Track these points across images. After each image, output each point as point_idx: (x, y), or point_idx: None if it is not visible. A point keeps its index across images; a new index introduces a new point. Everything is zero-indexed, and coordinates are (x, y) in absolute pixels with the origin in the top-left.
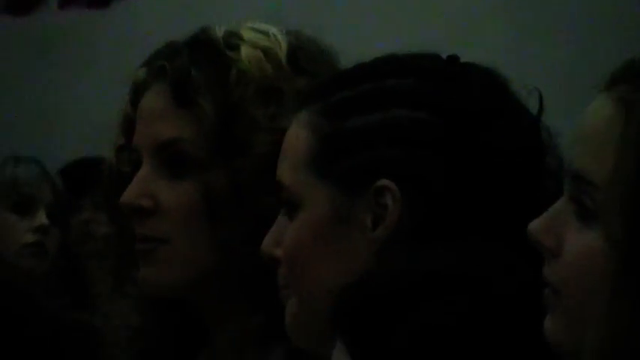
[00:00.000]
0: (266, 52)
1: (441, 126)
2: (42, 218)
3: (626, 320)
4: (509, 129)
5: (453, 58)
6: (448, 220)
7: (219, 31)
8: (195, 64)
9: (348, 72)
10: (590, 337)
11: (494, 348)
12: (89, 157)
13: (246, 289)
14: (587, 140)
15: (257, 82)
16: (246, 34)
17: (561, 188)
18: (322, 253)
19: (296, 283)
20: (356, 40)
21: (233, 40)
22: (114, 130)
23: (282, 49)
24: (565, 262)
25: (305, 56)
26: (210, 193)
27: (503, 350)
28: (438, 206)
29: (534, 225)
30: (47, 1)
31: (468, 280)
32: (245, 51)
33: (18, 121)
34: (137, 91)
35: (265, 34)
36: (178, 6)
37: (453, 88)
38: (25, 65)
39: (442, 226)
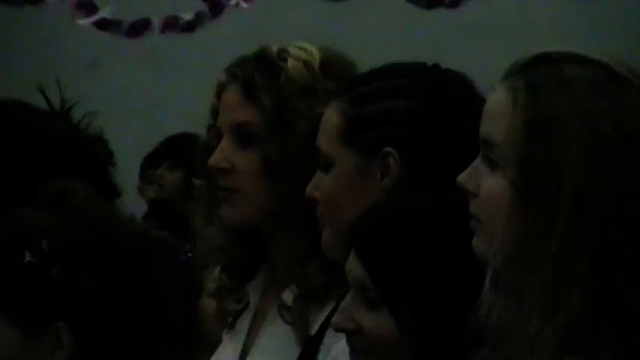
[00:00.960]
0: (305, 62)
1: (427, 112)
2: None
3: (518, 237)
4: (473, 113)
5: (436, 66)
6: (431, 174)
7: (274, 48)
8: (258, 70)
9: (364, 74)
10: (494, 254)
11: (455, 256)
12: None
13: (294, 223)
14: (489, 116)
15: (299, 83)
16: (292, 50)
17: None
18: (347, 197)
19: (330, 217)
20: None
21: (283, 54)
22: (205, 117)
23: (316, 61)
24: (481, 199)
25: (333, 65)
26: (268, 159)
27: (460, 257)
28: (424, 166)
29: (461, 176)
30: (152, 27)
31: (437, 213)
32: (291, 62)
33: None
34: (220, 89)
35: (304, 50)
36: (246, 32)
37: (435, 86)
38: (135, 76)
39: (427, 179)
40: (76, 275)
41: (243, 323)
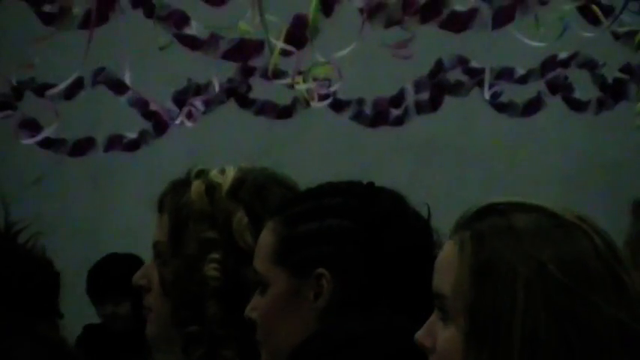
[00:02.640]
0: (209, 186)
1: (359, 230)
2: None
3: None
4: (406, 231)
5: (370, 184)
6: (364, 295)
7: (195, 171)
8: (170, 191)
9: (299, 194)
10: None
11: None
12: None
13: (188, 344)
14: (439, 270)
15: (195, 207)
16: (211, 173)
17: None
18: (282, 318)
19: (265, 339)
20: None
21: (199, 176)
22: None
23: (224, 185)
24: (438, 353)
25: (245, 191)
26: (162, 278)
27: None
28: (357, 286)
29: (418, 333)
30: (96, 145)
31: (368, 341)
32: (195, 184)
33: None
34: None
35: (222, 172)
36: (190, 152)
37: (368, 204)
38: (79, 193)
39: (361, 299)
40: None
41: None
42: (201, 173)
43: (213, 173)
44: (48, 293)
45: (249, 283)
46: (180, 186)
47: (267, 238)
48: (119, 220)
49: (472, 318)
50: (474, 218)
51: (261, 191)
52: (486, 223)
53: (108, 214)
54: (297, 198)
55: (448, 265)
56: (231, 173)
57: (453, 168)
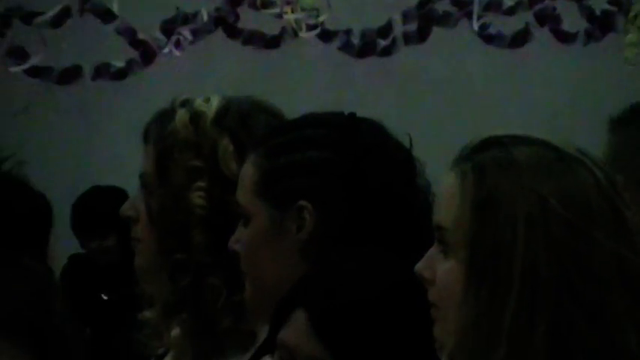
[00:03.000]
0: (194, 114)
1: (341, 162)
2: None
3: (471, 317)
4: (388, 162)
5: (352, 115)
6: (347, 227)
7: (179, 100)
8: (154, 121)
9: (280, 125)
10: (449, 337)
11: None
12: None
13: (176, 274)
14: (440, 202)
15: (180, 136)
16: (196, 102)
17: (429, 200)
18: (265, 251)
19: (248, 271)
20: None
21: (184, 105)
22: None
23: (209, 114)
24: (437, 285)
25: (230, 119)
26: (149, 209)
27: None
28: (340, 218)
29: (418, 265)
30: (84, 74)
31: (350, 273)
32: (179, 115)
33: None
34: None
35: (207, 100)
36: (178, 80)
37: (350, 135)
38: (66, 122)
39: (343, 231)
40: None
41: None
42: (186, 102)
43: (198, 102)
44: (38, 223)
45: (235, 212)
46: (164, 116)
47: (248, 170)
48: (107, 149)
49: (472, 251)
50: (475, 150)
51: (246, 119)
52: (488, 155)
53: (95, 143)
54: (278, 130)
55: (449, 198)
56: (215, 102)
57: (440, 100)
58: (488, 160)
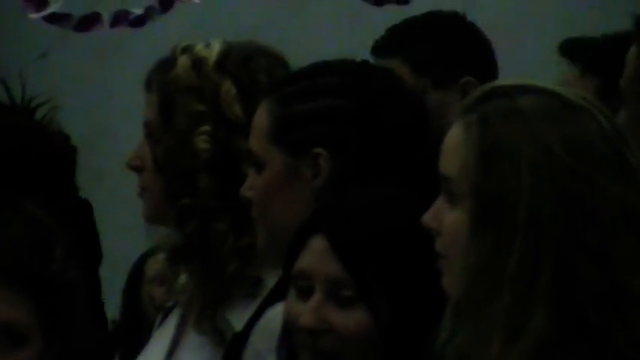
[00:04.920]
0: (195, 60)
1: (355, 109)
2: None
3: (475, 265)
4: (402, 108)
5: (364, 62)
6: (362, 173)
7: (182, 46)
8: (157, 68)
9: (293, 73)
10: (454, 285)
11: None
12: None
13: (183, 221)
14: (446, 152)
15: (183, 81)
16: (197, 47)
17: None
18: (279, 198)
19: (262, 217)
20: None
21: (185, 51)
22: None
23: (210, 59)
24: (444, 235)
25: (232, 63)
26: (155, 155)
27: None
28: (355, 164)
29: (425, 216)
30: (102, 21)
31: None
32: (181, 60)
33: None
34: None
35: (208, 46)
36: (195, 27)
37: (363, 82)
38: (84, 68)
39: (358, 177)
40: (77, 281)
41: (173, 320)
42: (187, 49)
43: (199, 47)
44: (65, 168)
45: (240, 155)
46: (166, 63)
47: (261, 117)
48: (125, 96)
49: (477, 200)
50: (479, 100)
51: (247, 62)
52: (492, 105)
53: (114, 89)
54: (291, 77)
55: (454, 147)
56: (216, 46)
57: None
58: (492, 109)
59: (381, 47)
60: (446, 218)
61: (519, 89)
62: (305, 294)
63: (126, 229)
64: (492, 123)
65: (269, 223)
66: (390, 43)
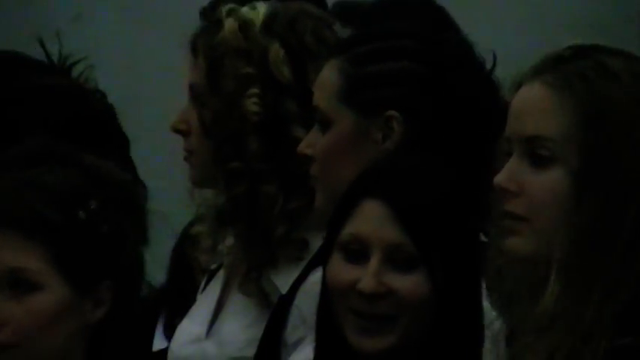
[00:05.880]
0: (243, 23)
1: (430, 74)
2: None
3: (585, 225)
4: (473, 76)
5: (437, 29)
6: (432, 138)
7: (226, 8)
8: (202, 30)
9: (364, 33)
10: (559, 245)
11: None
12: None
13: (231, 185)
14: (531, 114)
15: (230, 44)
16: (242, 10)
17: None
18: (344, 157)
19: (324, 176)
20: None
21: (231, 13)
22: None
23: (257, 21)
24: (529, 197)
25: (279, 25)
26: (202, 118)
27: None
28: (426, 129)
29: (498, 178)
30: None
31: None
32: (228, 23)
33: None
34: None
35: (254, 8)
36: None
37: (437, 49)
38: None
39: (428, 142)
40: (121, 234)
41: (217, 282)
42: (232, 11)
43: (245, 10)
44: (105, 124)
45: (290, 117)
46: (212, 26)
47: (331, 76)
48: (159, 57)
49: (586, 160)
50: (561, 61)
51: (294, 24)
52: (583, 66)
53: (147, 50)
54: (363, 37)
55: (547, 109)
56: (262, 9)
57: (489, 11)
58: (588, 70)
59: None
60: (531, 180)
61: (600, 50)
62: (358, 258)
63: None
64: (595, 83)
65: (331, 181)
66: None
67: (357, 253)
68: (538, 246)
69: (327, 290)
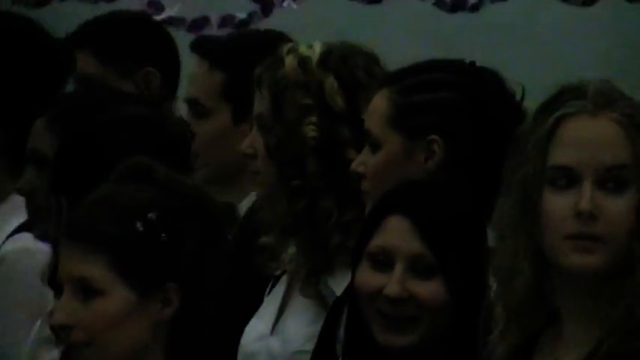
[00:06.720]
0: (301, 60)
1: (469, 103)
2: None
3: None
4: (506, 107)
5: (473, 63)
6: (468, 159)
7: (287, 47)
8: (266, 66)
9: (410, 68)
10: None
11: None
12: None
13: (293, 202)
14: (607, 146)
15: (291, 79)
16: (301, 48)
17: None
18: (392, 175)
19: (373, 191)
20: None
21: (291, 52)
22: None
23: (314, 58)
24: (606, 220)
25: (333, 61)
26: (267, 142)
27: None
28: (463, 151)
29: (585, 205)
30: (211, 24)
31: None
32: (288, 60)
33: None
34: None
35: (310, 47)
36: (292, 31)
37: (476, 81)
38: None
39: (464, 163)
40: (180, 240)
41: (281, 286)
42: (292, 50)
43: (303, 48)
44: (180, 148)
45: (343, 141)
46: (274, 63)
47: (382, 104)
48: None
49: None
50: (607, 102)
51: (346, 60)
52: (630, 103)
53: None
54: (409, 71)
55: (617, 142)
56: (318, 47)
57: (519, 49)
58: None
59: (72, 39)
60: (609, 205)
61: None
62: (383, 267)
63: None
64: None
65: (379, 195)
66: (80, 35)
67: (383, 262)
68: (611, 261)
69: (356, 295)
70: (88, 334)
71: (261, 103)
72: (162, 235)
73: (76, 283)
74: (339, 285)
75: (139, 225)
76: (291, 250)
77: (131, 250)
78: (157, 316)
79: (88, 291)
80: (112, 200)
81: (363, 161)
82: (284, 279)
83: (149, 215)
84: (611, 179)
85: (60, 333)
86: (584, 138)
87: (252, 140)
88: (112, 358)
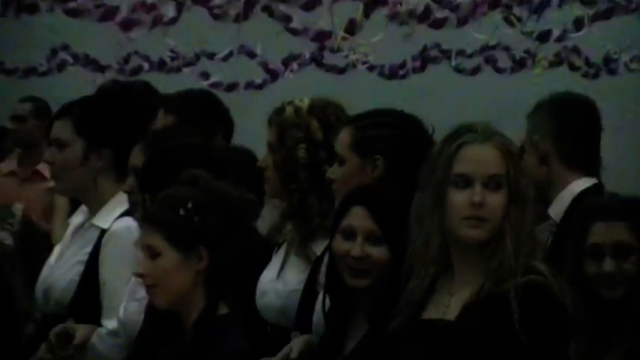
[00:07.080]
0: (296, 109)
1: (400, 136)
2: None
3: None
4: (421, 138)
5: (401, 111)
6: (402, 174)
7: (288, 101)
8: (274, 114)
9: (365, 114)
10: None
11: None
12: None
13: (294, 198)
14: (490, 162)
15: (289, 121)
16: (296, 102)
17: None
18: (350, 181)
19: (340, 191)
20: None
21: (290, 104)
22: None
23: (304, 108)
24: (489, 208)
25: (317, 110)
26: (275, 162)
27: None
28: (397, 167)
29: (476, 198)
30: (239, 86)
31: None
32: (288, 109)
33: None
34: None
35: (302, 101)
36: (293, 94)
37: (403, 122)
38: None
39: (398, 174)
40: (206, 220)
41: (282, 250)
42: (290, 102)
43: (297, 101)
44: (221, 171)
45: (322, 160)
46: (279, 111)
47: (346, 136)
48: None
49: (514, 184)
50: (492, 132)
51: (324, 109)
52: (502, 137)
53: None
54: (363, 116)
55: (496, 159)
56: (306, 101)
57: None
58: (505, 139)
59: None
60: (491, 198)
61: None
62: (350, 238)
63: None
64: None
65: (343, 194)
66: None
67: (350, 234)
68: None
69: (333, 255)
70: (154, 280)
71: (270, 135)
72: (195, 217)
73: (145, 249)
74: (319, 249)
75: (181, 211)
76: (289, 227)
77: (176, 226)
78: (195, 267)
79: (152, 253)
80: (167, 196)
81: (333, 172)
82: (284, 245)
83: (188, 205)
84: (492, 183)
85: (139, 279)
86: (476, 156)
87: (265, 159)
88: (167, 296)
